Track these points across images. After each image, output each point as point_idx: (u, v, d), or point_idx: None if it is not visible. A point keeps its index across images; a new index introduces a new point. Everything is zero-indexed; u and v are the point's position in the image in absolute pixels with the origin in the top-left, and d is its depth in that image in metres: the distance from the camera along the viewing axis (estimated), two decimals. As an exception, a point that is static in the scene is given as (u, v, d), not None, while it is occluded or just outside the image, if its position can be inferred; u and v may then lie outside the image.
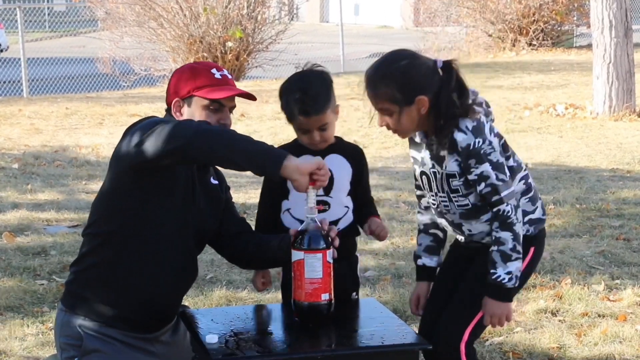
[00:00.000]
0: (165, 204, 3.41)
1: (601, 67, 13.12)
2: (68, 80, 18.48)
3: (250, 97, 3.57)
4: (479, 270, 3.65)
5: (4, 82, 18.30)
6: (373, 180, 9.24)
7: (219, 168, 3.67)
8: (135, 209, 3.39)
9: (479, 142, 3.50)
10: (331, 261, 3.31)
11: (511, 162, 3.64)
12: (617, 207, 8.01)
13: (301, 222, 3.46)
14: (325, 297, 3.31)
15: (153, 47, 18.65)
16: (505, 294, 3.59)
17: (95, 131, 12.49)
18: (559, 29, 24.23)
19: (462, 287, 3.73)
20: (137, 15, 18.44)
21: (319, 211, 3.40)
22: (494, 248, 3.56)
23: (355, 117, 12.54)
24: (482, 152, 3.50)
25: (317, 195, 3.37)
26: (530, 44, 22.66)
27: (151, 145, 3.18)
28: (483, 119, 3.55)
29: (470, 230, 3.69)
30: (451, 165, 3.56)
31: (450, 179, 3.58)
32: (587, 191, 8.59)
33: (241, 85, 17.10)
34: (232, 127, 3.49)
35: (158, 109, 14.14)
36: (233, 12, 17.94)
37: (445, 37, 22.83)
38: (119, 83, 18.40)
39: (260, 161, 3.12)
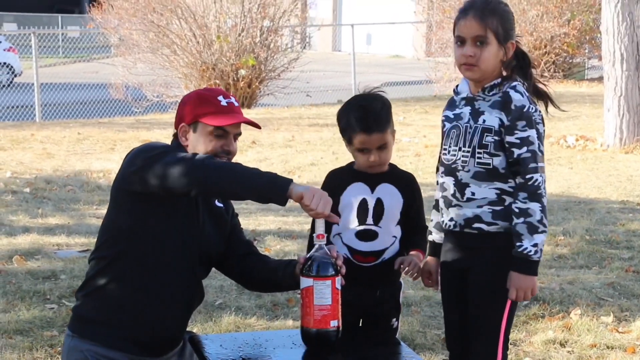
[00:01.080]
0: (167, 226, 3.44)
1: (612, 100, 13.15)
2: (80, 105, 18.58)
3: (254, 125, 3.60)
4: (477, 293, 3.65)
5: (17, 107, 18.40)
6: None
7: None
8: (138, 232, 3.43)
9: (533, 107, 3.59)
10: (339, 288, 3.32)
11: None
12: (627, 239, 7.99)
13: (349, 248, 3.53)
14: (334, 324, 3.32)
15: (166, 73, 18.76)
16: (531, 267, 3.56)
17: (107, 156, 12.54)
18: (570, 61, 24.31)
19: (471, 318, 3.72)
20: (150, 42, 18.57)
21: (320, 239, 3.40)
22: (520, 220, 3.53)
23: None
24: (533, 117, 3.57)
25: (366, 224, 3.58)
26: (541, 76, 22.67)
27: (160, 178, 3.24)
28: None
29: (473, 194, 3.64)
30: (491, 119, 3.60)
31: (485, 134, 3.60)
32: (597, 223, 8.59)
33: (252, 112, 17.17)
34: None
35: (170, 135, 14.12)
36: (246, 40, 18.05)
37: (456, 67, 22.85)
38: (131, 109, 18.49)
39: (266, 194, 3.17)
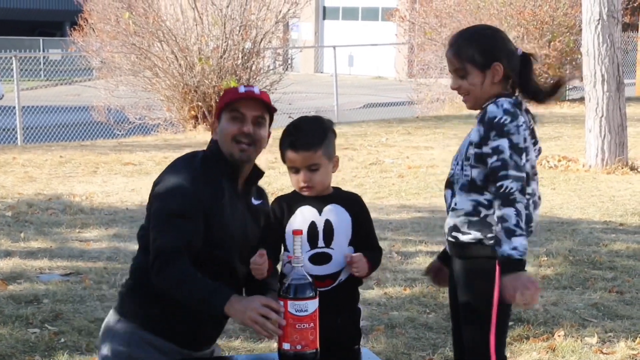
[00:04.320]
0: (214, 232, 3.56)
1: (593, 121, 13.21)
2: (63, 128, 18.55)
3: (270, 107, 3.71)
4: (460, 305, 3.73)
5: (-1, 130, 18.35)
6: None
7: (260, 185, 3.89)
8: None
9: (506, 119, 3.58)
10: (303, 313, 3.30)
11: (528, 168, 3.64)
12: (610, 260, 8.01)
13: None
14: (286, 346, 3.35)
15: (148, 96, 18.75)
16: (517, 264, 3.51)
17: (89, 179, 12.50)
18: (551, 82, 24.39)
19: (463, 327, 3.76)
20: (132, 65, 18.54)
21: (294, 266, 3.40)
22: (498, 227, 3.52)
23: (349, 167, 12.57)
24: (505, 128, 3.56)
25: (318, 248, 3.52)
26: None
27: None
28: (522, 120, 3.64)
29: (456, 204, 3.70)
30: (474, 133, 3.66)
31: (469, 146, 3.66)
32: (580, 243, 8.61)
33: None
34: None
35: (152, 158, 14.16)
36: (228, 62, 18.05)
37: (438, 88, 22.91)
38: (113, 131, 18.46)
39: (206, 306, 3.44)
